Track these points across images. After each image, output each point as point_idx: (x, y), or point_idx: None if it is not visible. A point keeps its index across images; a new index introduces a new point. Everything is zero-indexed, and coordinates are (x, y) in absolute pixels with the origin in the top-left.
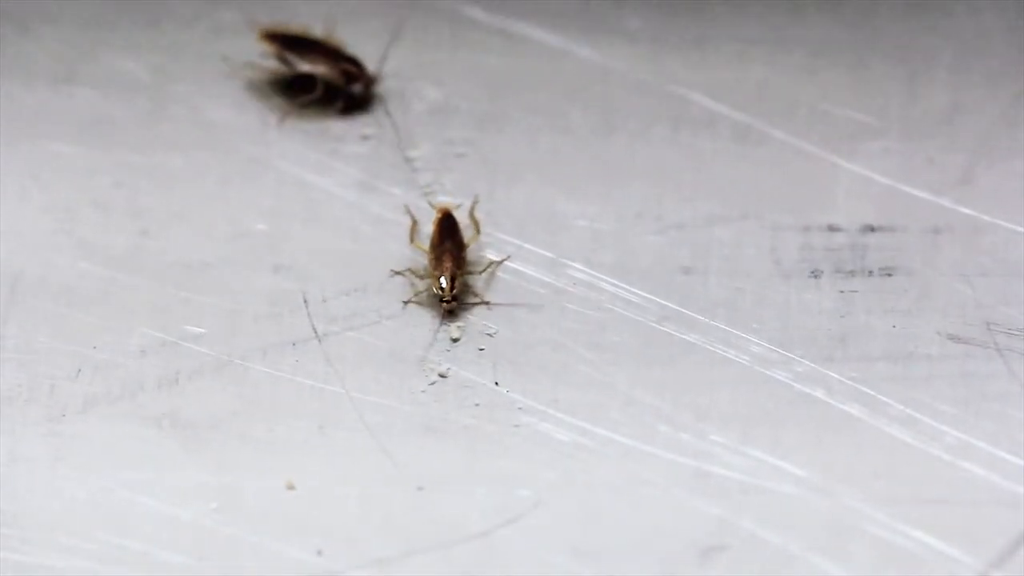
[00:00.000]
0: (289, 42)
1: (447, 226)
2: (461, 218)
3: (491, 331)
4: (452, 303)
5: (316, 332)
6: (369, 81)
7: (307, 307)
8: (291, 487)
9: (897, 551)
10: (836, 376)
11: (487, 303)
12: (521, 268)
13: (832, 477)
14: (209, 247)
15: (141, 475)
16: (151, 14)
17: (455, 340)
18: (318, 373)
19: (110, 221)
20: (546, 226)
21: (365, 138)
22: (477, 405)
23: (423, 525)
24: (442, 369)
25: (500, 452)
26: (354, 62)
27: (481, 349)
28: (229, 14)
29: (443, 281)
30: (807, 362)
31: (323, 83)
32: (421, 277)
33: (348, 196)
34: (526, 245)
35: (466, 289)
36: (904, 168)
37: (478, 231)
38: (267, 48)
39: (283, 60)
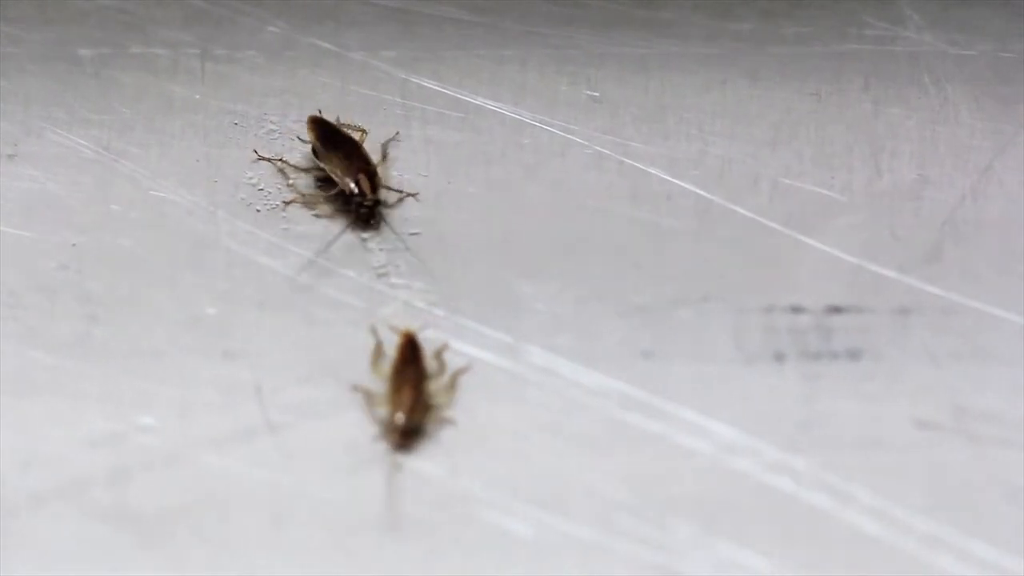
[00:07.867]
0: (326, 134)
1: (410, 352)
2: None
3: (448, 420)
4: (409, 438)
5: (269, 422)
6: (372, 202)
7: (260, 396)
8: None
9: None
10: (802, 464)
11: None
12: (479, 353)
13: (801, 569)
14: (159, 333)
15: (94, 573)
16: (97, 90)
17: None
18: (271, 465)
19: (56, 306)
20: (504, 308)
21: (317, 217)
22: (434, 498)
23: None
24: (398, 460)
25: (459, 547)
26: (368, 174)
27: (438, 439)
28: (179, 88)
29: (399, 418)
30: (772, 450)
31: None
32: (379, 398)
33: (301, 278)
34: (483, 329)
35: (428, 411)
36: (870, 245)
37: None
38: (308, 134)
39: (314, 151)
